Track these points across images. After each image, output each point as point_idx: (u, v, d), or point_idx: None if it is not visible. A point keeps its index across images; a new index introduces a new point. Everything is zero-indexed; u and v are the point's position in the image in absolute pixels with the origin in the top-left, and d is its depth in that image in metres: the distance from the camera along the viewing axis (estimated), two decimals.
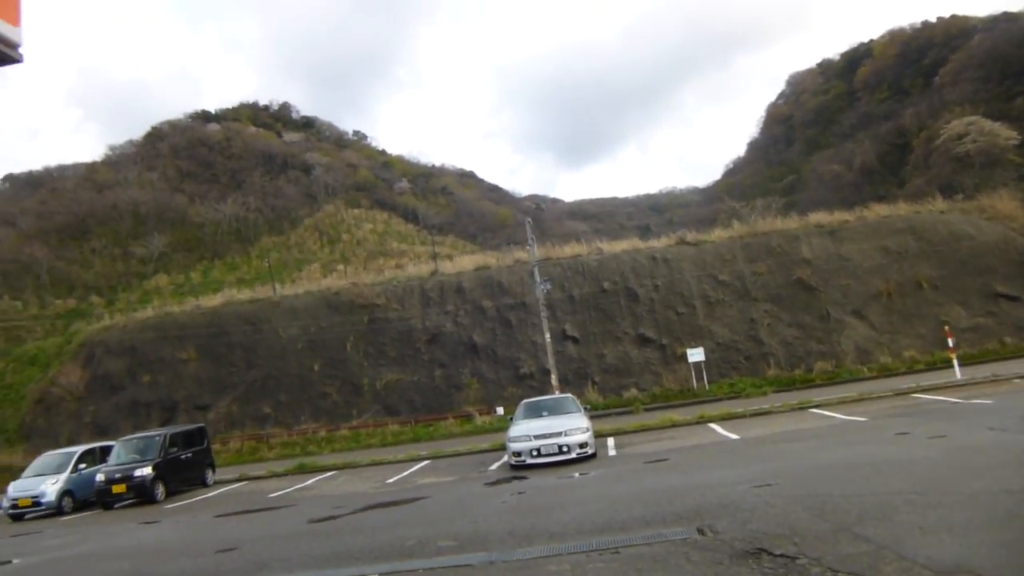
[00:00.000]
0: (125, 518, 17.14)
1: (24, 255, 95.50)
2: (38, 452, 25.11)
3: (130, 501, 19.63)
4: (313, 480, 19.75)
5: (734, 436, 17.93)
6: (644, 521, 8.60)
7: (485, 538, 8.76)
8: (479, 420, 34.35)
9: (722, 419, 21.98)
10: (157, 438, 20.95)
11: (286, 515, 13.87)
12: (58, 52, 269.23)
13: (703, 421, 22.04)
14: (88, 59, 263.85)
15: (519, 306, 40.56)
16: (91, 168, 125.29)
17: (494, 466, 17.71)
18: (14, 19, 3.26)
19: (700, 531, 7.74)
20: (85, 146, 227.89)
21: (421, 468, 19.52)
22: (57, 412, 45.74)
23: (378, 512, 12.61)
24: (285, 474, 22.23)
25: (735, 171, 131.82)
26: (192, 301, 52.02)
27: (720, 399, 30.13)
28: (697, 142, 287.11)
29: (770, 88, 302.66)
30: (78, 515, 19.62)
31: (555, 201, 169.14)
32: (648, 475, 13.42)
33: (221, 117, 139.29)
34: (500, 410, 34.98)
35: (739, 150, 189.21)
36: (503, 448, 20.38)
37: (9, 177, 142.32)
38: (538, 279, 33.96)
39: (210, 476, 22.35)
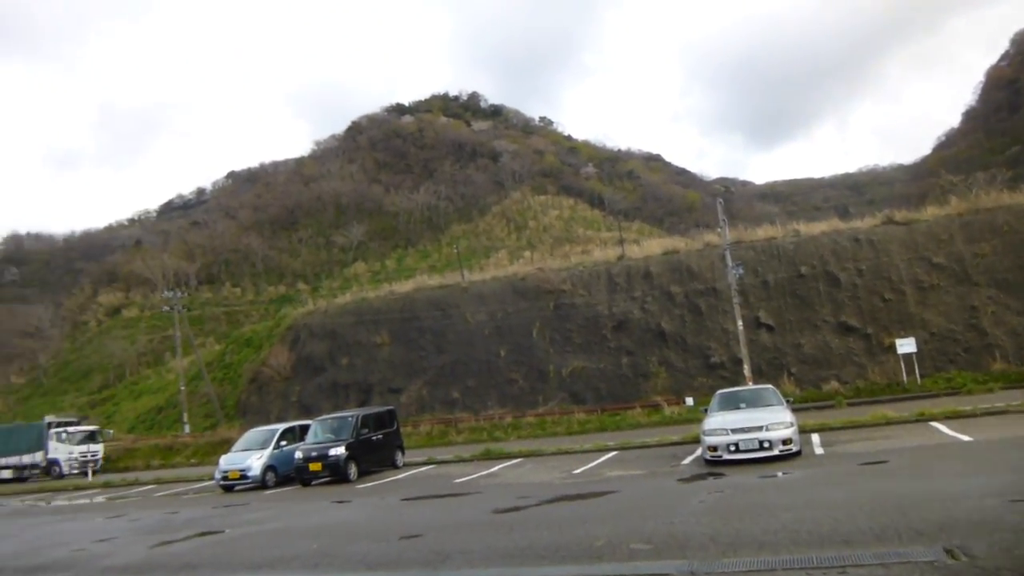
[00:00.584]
0: (319, 496, 17.69)
1: (242, 245, 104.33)
2: (251, 427, 27.05)
3: (325, 479, 20.40)
4: (499, 467, 19.60)
5: (965, 438, 15.70)
6: (873, 535, 7.34)
7: (683, 542, 7.85)
8: (667, 410, 33.08)
9: (946, 417, 19.49)
10: (350, 419, 21.62)
11: (471, 503, 13.64)
12: (273, 56, 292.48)
13: (923, 419, 19.65)
14: (297, 63, 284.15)
15: (709, 292, 38.75)
16: (299, 163, 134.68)
17: (687, 460, 16.61)
18: None
19: (950, 553, 6.41)
20: (295, 142, 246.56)
21: (608, 459, 18.76)
22: (268, 391, 49.14)
23: (564, 505, 12.01)
24: (471, 459, 22.29)
25: (948, 144, 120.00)
26: (386, 287, 54.16)
27: (936, 395, 27.07)
28: (902, 115, 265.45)
29: (989, 51, 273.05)
30: (279, 490, 20.65)
31: (744, 184, 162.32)
32: (867, 479, 11.86)
33: (414, 109, 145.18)
34: (690, 400, 33.54)
35: (952, 121, 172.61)
36: (695, 441, 19.15)
37: (231, 174, 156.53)
38: (730, 263, 32.20)
39: (400, 458, 22.83)
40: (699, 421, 29.25)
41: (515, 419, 36.11)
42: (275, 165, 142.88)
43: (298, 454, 20.67)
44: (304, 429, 23.00)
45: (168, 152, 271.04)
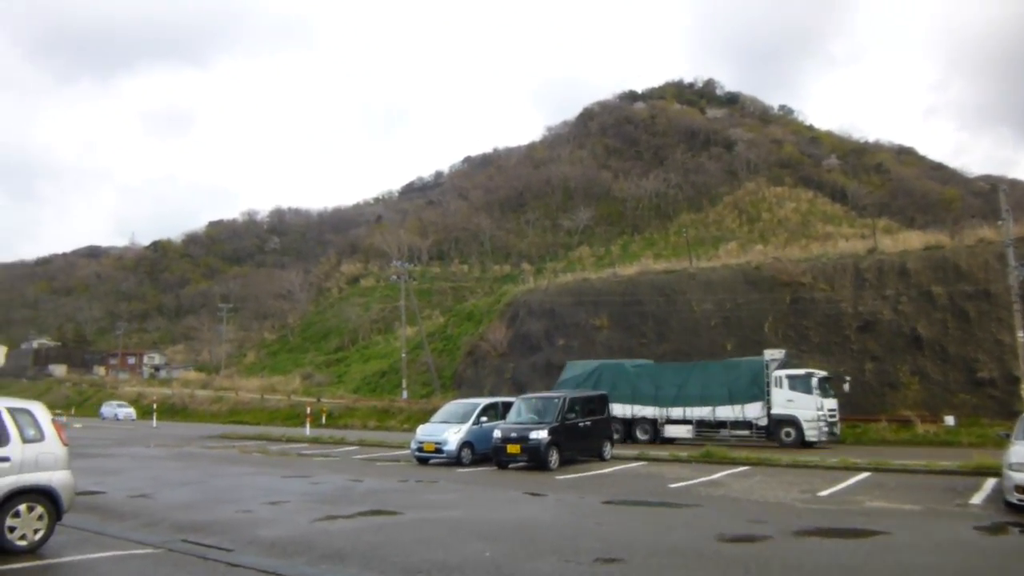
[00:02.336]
0: (513, 483, 15.92)
1: (472, 224, 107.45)
2: (465, 399, 25.71)
3: (523, 464, 18.56)
4: (722, 474, 16.67)
5: None
6: None
7: None
8: (920, 428, 28.43)
9: None
10: (556, 400, 19.68)
11: (689, 520, 11.07)
12: (511, 49, 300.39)
13: None
14: (534, 54, 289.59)
15: (980, 295, 33.18)
16: (531, 147, 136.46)
17: (976, 499, 12.73)
18: None
19: None
20: (528, 128, 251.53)
21: (861, 482, 15.27)
22: (483, 365, 49.17)
23: (818, 543, 9.15)
24: (689, 461, 19.50)
25: None
26: (609, 270, 52.30)
27: None
28: None
29: None
30: (473, 469, 19.10)
31: (1015, 183, 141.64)
32: None
33: (647, 96, 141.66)
34: (950, 420, 28.60)
35: None
36: (977, 472, 15.35)
37: (467, 158, 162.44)
38: (1012, 262, 27.05)
39: (608, 449, 20.57)
40: (959, 445, 24.76)
41: None
42: (508, 150, 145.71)
43: (497, 433, 18.97)
44: (507, 406, 21.36)
45: (412, 138, 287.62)
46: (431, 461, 20.17)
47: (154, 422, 45.75)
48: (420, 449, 20.21)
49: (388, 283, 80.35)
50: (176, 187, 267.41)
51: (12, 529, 8.30)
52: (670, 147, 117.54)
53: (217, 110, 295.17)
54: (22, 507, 8.39)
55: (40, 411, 9.08)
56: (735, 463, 18.58)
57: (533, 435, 18.07)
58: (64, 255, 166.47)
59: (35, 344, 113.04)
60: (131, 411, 57.66)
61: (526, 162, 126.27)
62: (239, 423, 50.25)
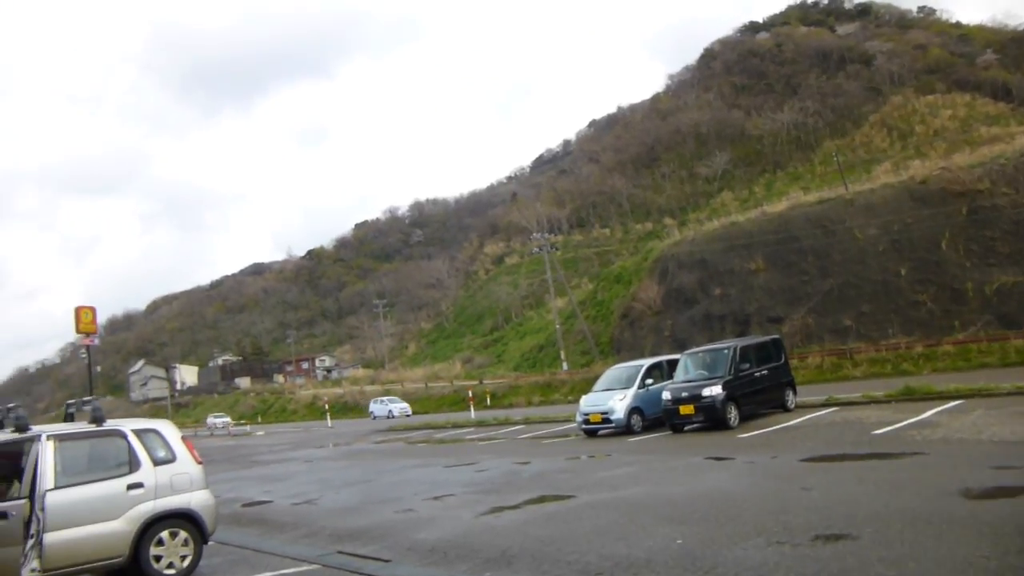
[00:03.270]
0: (692, 447, 14.50)
1: (607, 187, 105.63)
2: (625, 363, 24.30)
3: (698, 424, 17.03)
4: (930, 412, 14.36)
5: None
6: None
7: None
8: None
9: None
10: (726, 351, 17.81)
11: (915, 473, 9.20)
12: (623, 3, 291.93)
13: None
14: (643, 1, 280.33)
15: None
16: (655, 99, 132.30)
17: None
18: None
19: None
20: (649, 81, 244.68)
21: None
22: (639, 326, 47.73)
23: None
24: (887, 400, 17.22)
25: None
26: (757, 210, 49.35)
27: None
28: None
29: None
30: (645, 436, 17.72)
31: None
32: None
33: (770, 24, 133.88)
34: None
35: None
36: None
37: (592, 123, 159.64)
38: None
39: (791, 398, 18.54)
40: None
41: (927, 348, 30.18)
42: (632, 107, 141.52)
43: (666, 394, 17.45)
44: (673, 364, 19.79)
45: (536, 112, 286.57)
46: (599, 432, 18.98)
47: (328, 422, 47.38)
48: (586, 421, 19.02)
49: (532, 257, 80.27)
50: (321, 196, 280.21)
51: (158, 558, 7.80)
52: (802, 74, 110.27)
53: (348, 116, 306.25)
54: (164, 534, 7.88)
55: (168, 430, 8.56)
56: (943, 397, 16.22)
57: (706, 392, 16.45)
58: (233, 276, 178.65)
59: (220, 361, 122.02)
60: (406, 406, 51.08)
61: (652, 115, 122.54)
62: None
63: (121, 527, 7.61)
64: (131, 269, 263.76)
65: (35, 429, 7.86)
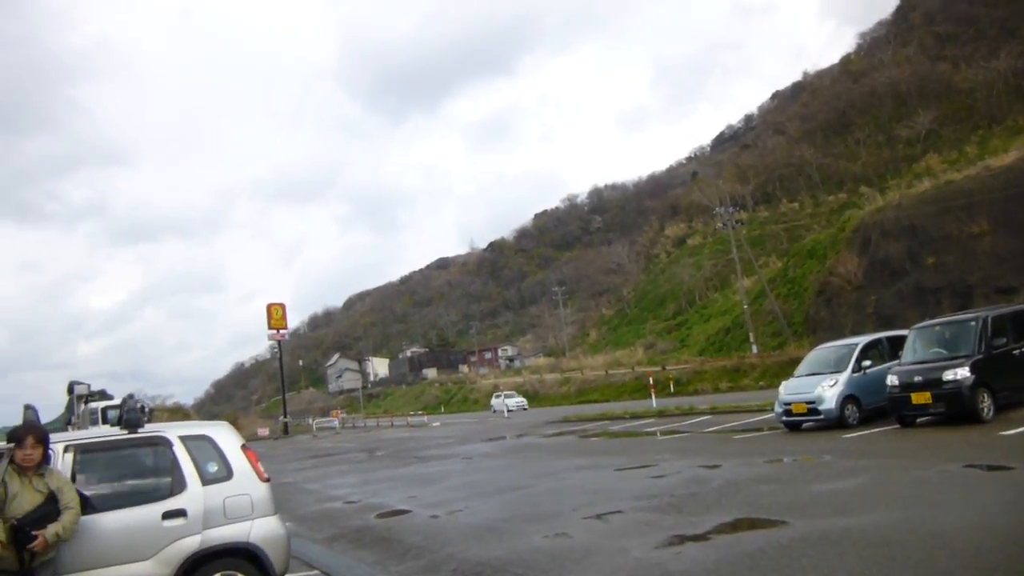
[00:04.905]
0: (937, 448, 11.44)
1: (795, 159, 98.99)
2: (821, 344, 20.78)
3: (937, 415, 13.70)
4: None
5: None
6: None
7: None
8: None
9: None
10: (973, 324, 14.32)
11: None
12: None
13: None
14: None
15: None
16: (844, 61, 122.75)
17: None
18: None
19: None
20: (836, 43, 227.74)
21: None
22: (838, 303, 43.42)
23: None
24: None
25: None
26: (978, 164, 43.20)
27: None
28: None
29: None
30: (865, 432, 14.59)
31: None
32: None
33: None
34: None
35: None
36: None
37: (776, 94, 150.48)
38: None
39: None
40: None
41: None
42: (818, 72, 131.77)
43: (892, 379, 14.21)
44: (895, 343, 16.35)
45: (716, 90, 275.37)
46: (804, 426, 16.10)
47: (506, 412, 46.53)
48: (787, 412, 16.11)
49: (716, 237, 76.59)
50: (502, 188, 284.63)
51: None
52: (1020, 14, 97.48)
53: (527, 109, 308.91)
54: None
55: (224, 436, 6.53)
56: None
57: (948, 375, 13.10)
58: (420, 271, 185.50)
59: (408, 353, 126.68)
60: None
61: (843, 78, 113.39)
62: (585, 402, 49.62)
63: (152, 571, 5.74)
64: (330, 269, 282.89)
65: (54, 438, 5.86)
